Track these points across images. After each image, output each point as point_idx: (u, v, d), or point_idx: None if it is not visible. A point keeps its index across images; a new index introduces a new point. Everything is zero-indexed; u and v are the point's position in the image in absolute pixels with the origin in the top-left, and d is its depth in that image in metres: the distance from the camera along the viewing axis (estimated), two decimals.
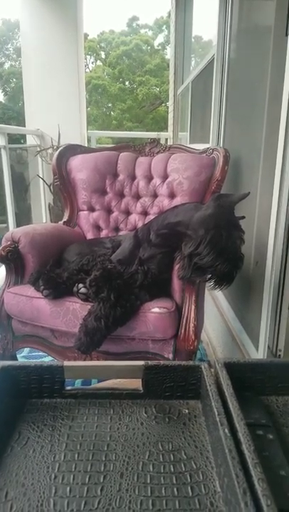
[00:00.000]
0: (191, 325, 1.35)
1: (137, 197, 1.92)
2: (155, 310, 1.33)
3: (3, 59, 16.89)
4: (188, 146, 2.00)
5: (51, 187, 4.01)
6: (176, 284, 1.41)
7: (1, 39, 16.48)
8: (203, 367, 0.56)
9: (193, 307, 1.37)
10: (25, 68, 4.17)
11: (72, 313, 1.37)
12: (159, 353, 1.39)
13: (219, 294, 2.10)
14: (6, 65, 16.52)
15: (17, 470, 0.46)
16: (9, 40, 16.44)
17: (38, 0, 3.94)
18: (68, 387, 0.58)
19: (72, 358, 1.46)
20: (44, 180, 4.10)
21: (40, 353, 1.80)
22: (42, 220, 4.25)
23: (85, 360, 1.41)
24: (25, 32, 4.09)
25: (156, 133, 4.59)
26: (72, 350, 1.44)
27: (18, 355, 1.69)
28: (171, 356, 1.38)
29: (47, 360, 1.81)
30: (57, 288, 1.40)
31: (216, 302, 2.09)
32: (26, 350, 1.94)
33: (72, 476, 0.45)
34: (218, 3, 2.11)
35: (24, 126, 4.29)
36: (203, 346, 2.00)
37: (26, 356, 1.93)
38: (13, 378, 0.56)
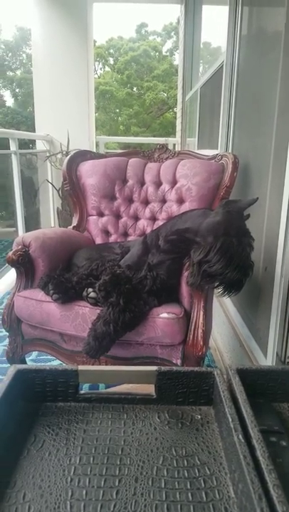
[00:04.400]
0: (200, 331, 1.36)
1: (146, 202, 1.94)
2: (164, 315, 1.33)
3: (15, 65, 17.12)
4: (197, 151, 2.02)
5: (60, 191, 4.04)
6: (185, 289, 1.42)
7: (15, 45, 16.71)
8: (215, 373, 0.57)
9: (201, 313, 1.37)
10: (36, 75, 4.23)
11: (82, 317, 1.38)
12: (168, 358, 1.39)
13: (227, 300, 2.10)
14: (19, 71, 16.74)
15: (34, 472, 0.47)
16: (22, 47, 16.69)
17: (48, 9, 4.00)
18: (82, 391, 0.59)
19: (80, 363, 1.47)
20: (53, 185, 4.14)
21: (48, 357, 1.81)
22: (50, 224, 4.29)
23: (93, 364, 1.42)
24: (37, 39, 4.15)
25: (164, 138, 4.63)
26: (80, 355, 1.45)
27: (26, 359, 1.70)
28: (179, 362, 1.38)
29: (55, 364, 1.82)
30: (66, 292, 1.41)
31: (224, 308, 2.09)
32: (34, 353, 1.95)
33: (87, 480, 0.45)
34: (227, 10, 2.13)
35: (33, 131, 4.34)
36: (210, 352, 1.99)
37: (34, 360, 1.94)
38: (28, 381, 0.57)
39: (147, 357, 1.40)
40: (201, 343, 1.34)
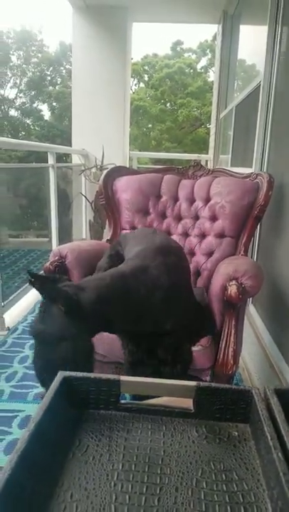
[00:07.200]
0: (230, 350, 1.36)
1: (179, 218, 1.97)
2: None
3: (55, 80, 17.81)
4: (231, 169, 2.04)
5: (92, 204, 4.14)
6: (216, 308, 1.42)
7: (56, 60, 17.42)
8: (254, 392, 0.58)
9: (232, 331, 1.37)
10: (74, 90, 4.40)
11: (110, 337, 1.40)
12: (197, 375, 1.39)
13: (257, 320, 2.08)
14: (58, 86, 17.39)
15: (79, 475, 0.49)
16: (63, 62, 17.36)
17: (90, 27, 4.18)
18: (123, 401, 0.62)
19: (109, 373, 1.49)
20: (86, 198, 4.25)
21: None
22: (82, 235, 4.39)
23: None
24: (77, 56, 4.34)
25: (196, 155, 4.67)
26: (109, 366, 1.48)
27: None
28: (208, 379, 1.38)
29: None
30: None
31: (254, 327, 2.07)
32: None
33: (130, 485, 0.48)
34: (266, 30, 2.16)
35: (67, 144, 4.51)
36: (239, 372, 1.97)
37: None
38: (73, 388, 0.60)
39: None
40: (232, 362, 1.34)
